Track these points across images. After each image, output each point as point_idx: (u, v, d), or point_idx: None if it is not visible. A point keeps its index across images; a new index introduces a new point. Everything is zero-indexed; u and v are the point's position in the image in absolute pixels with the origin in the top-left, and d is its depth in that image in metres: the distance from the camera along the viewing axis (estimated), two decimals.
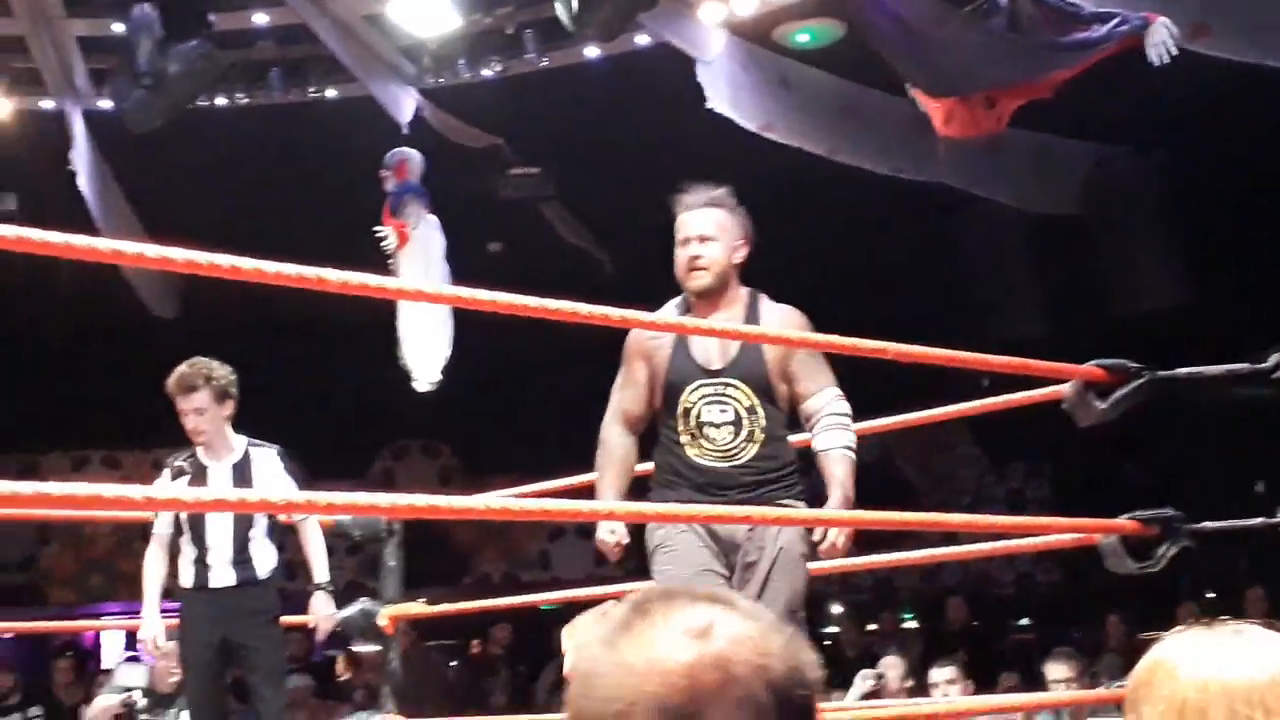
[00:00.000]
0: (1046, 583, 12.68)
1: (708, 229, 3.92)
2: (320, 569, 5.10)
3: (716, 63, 6.74)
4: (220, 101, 7.80)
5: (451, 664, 10.84)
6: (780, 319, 3.85)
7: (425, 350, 7.11)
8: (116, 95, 7.44)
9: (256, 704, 4.96)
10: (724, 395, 3.79)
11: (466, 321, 7.23)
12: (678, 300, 3.94)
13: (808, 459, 3.95)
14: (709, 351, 3.83)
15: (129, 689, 5.80)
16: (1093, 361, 3.80)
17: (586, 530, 13.01)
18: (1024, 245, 9.29)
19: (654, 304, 3.69)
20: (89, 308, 9.61)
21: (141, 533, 5.10)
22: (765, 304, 3.92)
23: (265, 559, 4.96)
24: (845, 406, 3.91)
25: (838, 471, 3.85)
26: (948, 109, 6.08)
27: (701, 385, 3.80)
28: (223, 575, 4.86)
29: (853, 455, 3.90)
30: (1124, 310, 8.79)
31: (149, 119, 6.97)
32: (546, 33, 7.54)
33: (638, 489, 3.99)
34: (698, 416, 3.79)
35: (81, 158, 7.49)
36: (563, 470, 4.59)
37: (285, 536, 5.22)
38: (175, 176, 8.21)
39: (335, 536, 9.35)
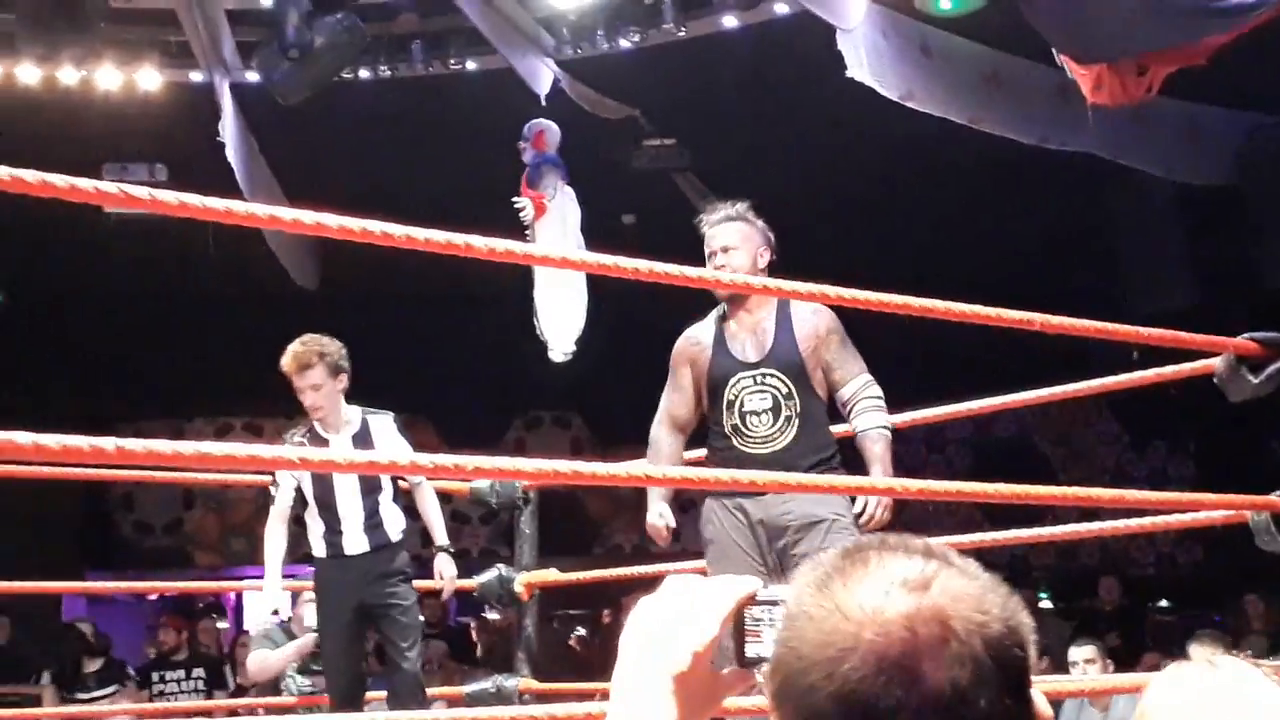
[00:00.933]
0: (1187, 563, 12.43)
1: (730, 240, 4.26)
2: (440, 532, 5.19)
3: (857, 30, 6.67)
4: (364, 74, 7.96)
5: (582, 633, 10.98)
6: (811, 311, 4.20)
7: (561, 320, 7.19)
8: (264, 68, 7.64)
9: (393, 663, 5.07)
10: (763, 384, 4.14)
11: (600, 293, 7.29)
12: (716, 309, 4.33)
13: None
14: (746, 348, 4.21)
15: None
16: (1246, 335, 3.71)
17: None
18: (1174, 216, 9.06)
19: (788, 275, 3.70)
20: (233, 277, 9.89)
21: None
22: (794, 302, 4.20)
23: (395, 522, 5.07)
24: (878, 390, 4.21)
25: (876, 449, 4.13)
26: (1097, 75, 5.95)
27: (742, 377, 4.16)
28: (356, 543, 4.98)
29: (889, 435, 4.17)
30: (1277, 283, 8.55)
31: (295, 91, 7.14)
32: (685, 2, 7.55)
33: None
34: (740, 406, 4.14)
35: (229, 130, 7.70)
36: (692, 443, 4.62)
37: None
38: (319, 148, 8.40)
39: (471, 504, 9.55)
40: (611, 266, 3.27)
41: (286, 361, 5.05)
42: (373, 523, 4.98)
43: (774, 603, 1.11)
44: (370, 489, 4.92)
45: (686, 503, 13.85)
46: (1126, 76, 5.94)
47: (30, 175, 2.64)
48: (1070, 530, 4.99)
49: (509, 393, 11.52)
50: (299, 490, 4.94)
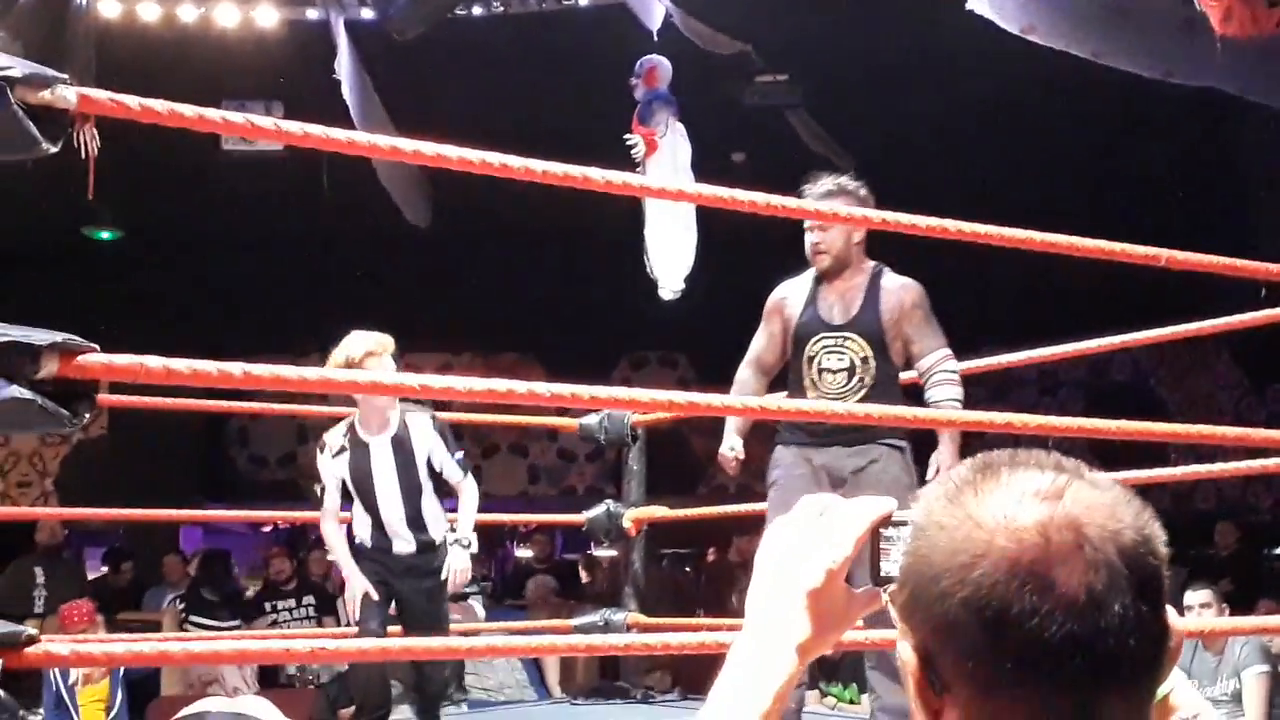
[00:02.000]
0: None
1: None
2: (465, 526, 5.16)
3: None
4: (477, 10, 7.98)
5: (687, 570, 11.05)
6: (899, 286, 4.45)
7: (671, 258, 7.19)
8: (379, 4, 7.70)
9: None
10: (843, 346, 4.43)
11: (708, 234, 7.27)
12: (811, 271, 4.57)
13: None
14: (833, 310, 4.48)
15: None
16: None
17: None
18: None
19: (903, 208, 3.67)
20: (347, 216, 10.01)
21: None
22: (887, 276, 4.49)
23: (437, 523, 5.13)
24: (955, 364, 4.40)
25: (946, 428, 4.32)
26: (1226, 6, 5.77)
27: (824, 337, 4.46)
28: (401, 543, 5.05)
29: (960, 407, 4.32)
30: None
31: (410, 27, 7.18)
32: None
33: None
34: (819, 363, 4.44)
35: (344, 67, 7.77)
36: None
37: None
38: (432, 85, 8.46)
39: (578, 441, 9.62)
40: (728, 200, 3.27)
41: (337, 356, 4.96)
42: (417, 524, 5.05)
43: (909, 523, 1.12)
44: (411, 490, 5.02)
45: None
46: (1258, 7, 5.75)
47: (159, 105, 2.71)
48: (1187, 472, 4.92)
49: (616, 333, 11.56)
50: (344, 488, 5.07)
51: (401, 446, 5.03)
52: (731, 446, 4.58)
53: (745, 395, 4.56)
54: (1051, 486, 1.00)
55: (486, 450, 12.60)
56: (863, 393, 4.36)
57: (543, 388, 2.75)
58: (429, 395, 2.74)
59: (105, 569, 10.37)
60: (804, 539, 1.19)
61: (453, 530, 5.17)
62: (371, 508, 5.04)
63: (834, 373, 4.42)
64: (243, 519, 10.71)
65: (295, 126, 2.87)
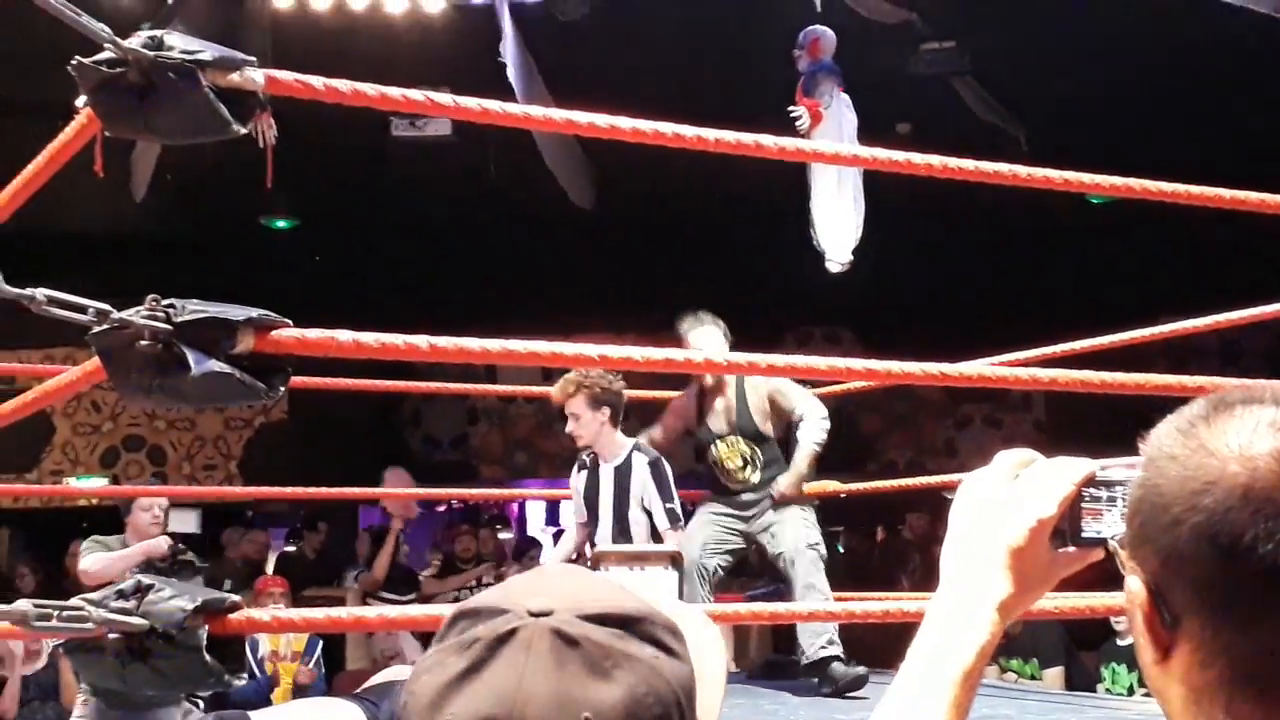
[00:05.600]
0: None
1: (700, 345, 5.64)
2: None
3: None
4: None
5: (859, 549, 10.97)
6: (756, 379, 5.78)
7: (838, 231, 7.11)
8: None
9: None
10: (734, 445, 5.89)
11: (874, 208, 7.17)
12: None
13: None
14: (719, 420, 5.90)
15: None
16: None
17: (994, 420, 12.84)
18: None
19: (1075, 165, 3.57)
20: (513, 198, 10.15)
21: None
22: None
23: (640, 530, 5.74)
24: (821, 410, 5.82)
25: (800, 456, 5.79)
26: None
27: (717, 440, 5.89)
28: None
29: (816, 449, 5.78)
30: None
31: (574, 7, 7.23)
32: None
33: None
34: (720, 462, 5.90)
35: (509, 50, 7.86)
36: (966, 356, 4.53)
37: None
38: (595, 64, 8.51)
39: None
40: (902, 163, 3.23)
41: (554, 389, 5.73)
42: (621, 528, 5.75)
43: (1114, 483, 1.10)
44: (620, 517, 5.76)
45: (963, 419, 13.54)
46: None
47: (343, 84, 2.77)
48: None
49: (780, 308, 11.53)
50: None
51: (622, 477, 5.76)
52: None
53: None
54: None
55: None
56: (759, 474, 5.94)
57: (720, 356, 2.74)
58: (609, 365, 2.77)
59: (290, 547, 10.69)
60: (1004, 495, 1.17)
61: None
62: (594, 521, 5.84)
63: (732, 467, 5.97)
64: (418, 497, 10.90)
65: (473, 103, 2.91)
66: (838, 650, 5.54)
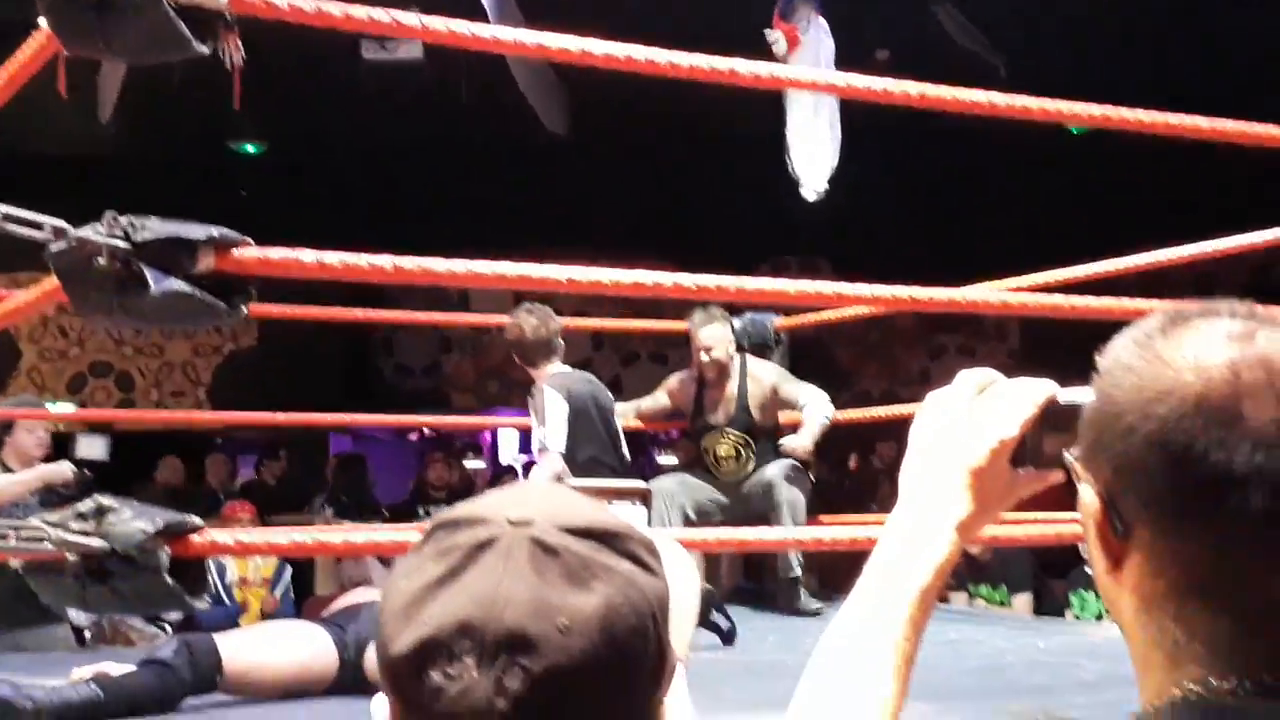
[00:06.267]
0: None
1: (710, 341, 6.09)
2: None
3: None
4: None
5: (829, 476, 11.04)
6: (764, 369, 6.20)
7: (814, 158, 7.08)
8: None
9: None
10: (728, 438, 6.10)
11: (851, 134, 7.13)
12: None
13: None
14: (716, 413, 6.15)
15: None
16: None
17: (968, 349, 12.89)
18: None
19: (1050, 94, 3.56)
20: (486, 123, 10.06)
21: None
22: (751, 363, 6.21)
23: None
24: (826, 400, 6.01)
25: (811, 424, 5.91)
26: None
27: (712, 431, 6.11)
28: None
29: (826, 422, 5.93)
30: None
31: None
32: None
33: None
34: (712, 450, 6.11)
35: None
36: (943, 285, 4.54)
37: None
38: None
39: None
40: (881, 92, 3.21)
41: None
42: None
43: (1075, 405, 1.11)
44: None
45: (937, 349, 13.58)
46: None
47: (307, 4, 2.73)
48: None
49: (756, 236, 11.51)
50: None
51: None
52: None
53: None
54: (1243, 329, 0.99)
55: (626, 359, 12.70)
56: (751, 465, 6.16)
57: (689, 279, 2.75)
58: (576, 289, 2.76)
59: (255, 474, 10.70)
60: (965, 415, 1.17)
61: None
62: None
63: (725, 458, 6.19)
64: (388, 423, 10.94)
65: (440, 24, 2.88)
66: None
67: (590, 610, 0.96)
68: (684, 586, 1.21)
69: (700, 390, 6.21)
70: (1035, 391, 1.16)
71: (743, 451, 6.07)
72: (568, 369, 5.91)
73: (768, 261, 12.48)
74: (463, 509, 1.04)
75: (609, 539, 1.01)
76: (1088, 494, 1.04)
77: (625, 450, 5.98)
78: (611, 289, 2.73)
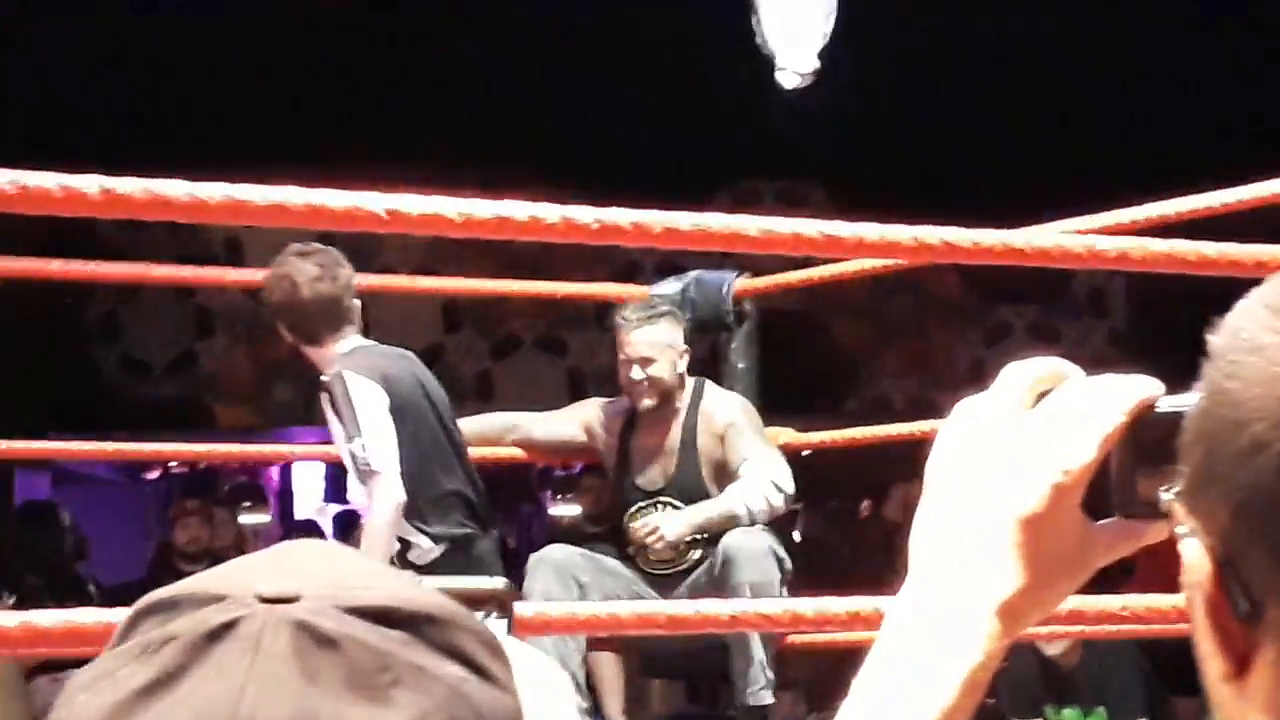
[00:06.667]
0: None
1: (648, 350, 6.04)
2: None
3: None
4: None
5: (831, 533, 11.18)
6: (724, 404, 6.16)
7: (795, 23, 7.15)
8: None
9: None
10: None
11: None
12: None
13: None
14: (651, 469, 6.18)
15: None
16: None
17: (1046, 330, 13.06)
18: None
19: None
20: None
21: None
22: (710, 392, 6.21)
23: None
24: (781, 472, 6.05)
25: (715, 502, 6.06)
26: None
27: (643, 506, 6.15)
28: None
29: (754, 511, 5.95)
30: None
31: None
32: None
33: None
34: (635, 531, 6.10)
35: None
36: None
37: None
38: None
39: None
40: None
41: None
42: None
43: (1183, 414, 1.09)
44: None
45: (998, 328, 13.97)
46: None
47: None
48: None
49: (708, 151, 11.67)
50: None
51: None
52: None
53: None
54: None
55: (500, 346, 12.74)
56: (697, 553, 6.22)
57: (589, 214, 2.72)
58: (407, 228, 2.70)
59: None
60: (1013, 437, 1.16)
61: None
62: None
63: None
64: (110, 455, 10.73)
65: None
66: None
67: None
68: (549, 710, 1.18)
69: (626, 434, 6.21)
70: (1124, 395, 1.13)
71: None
72: (370, 342, 5.85)
73: (726, 188, 12.60)
74: (186, 583, 1.00)
75: (421, 626, 0.98)
76: (1193, 552, 1.02)
77: (478, 478, 5.94)
78: (463, 228, 2.67)
